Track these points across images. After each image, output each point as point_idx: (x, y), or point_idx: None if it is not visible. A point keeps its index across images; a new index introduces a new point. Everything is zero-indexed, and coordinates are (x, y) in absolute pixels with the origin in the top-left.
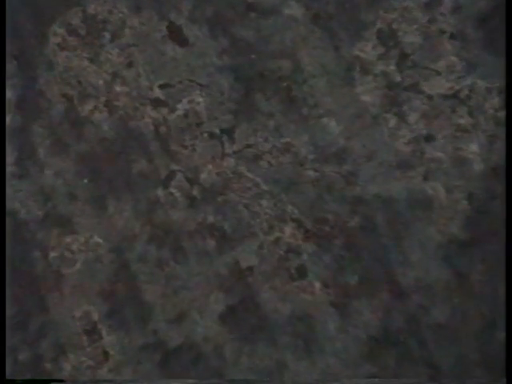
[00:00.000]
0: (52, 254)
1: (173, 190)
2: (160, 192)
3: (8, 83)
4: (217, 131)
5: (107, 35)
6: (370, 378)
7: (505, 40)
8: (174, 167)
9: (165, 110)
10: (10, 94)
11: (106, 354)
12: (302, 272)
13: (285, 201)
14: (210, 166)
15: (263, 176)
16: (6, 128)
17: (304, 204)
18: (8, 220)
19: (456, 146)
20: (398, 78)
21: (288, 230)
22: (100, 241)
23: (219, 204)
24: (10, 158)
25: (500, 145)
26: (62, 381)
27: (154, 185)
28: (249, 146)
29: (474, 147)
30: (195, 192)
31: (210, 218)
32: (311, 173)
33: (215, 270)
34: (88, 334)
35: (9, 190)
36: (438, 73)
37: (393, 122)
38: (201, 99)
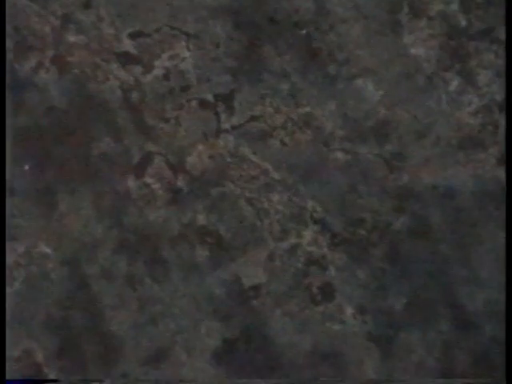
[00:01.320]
0: None
1: (149, 180)
2: (131, 183)
3: None
4: (210, 98)
5: None
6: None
7: (505, 40)
8: (151, 148)
9: (137, 69)
10: None
11: None
12: (327, 292)
13: (304, 194)
14: (200, 147)
15: (274, 160)
16: (5, 128)
17: (330, 199)
18: None
19: None
20: (463, 23)
21: (308, 234)
22: (47, 250)
23: (213, 199)
24: None
25: None
26: (56, 380)
27: (122, 173)
28: (254, 118)
29: None
30: (180, 182)
31: (201, 219)
32: (340, 155)
33: (208, 290)
34: (30, 381)
35: None
36: None
37: (455, 83)
38: (187, 54)
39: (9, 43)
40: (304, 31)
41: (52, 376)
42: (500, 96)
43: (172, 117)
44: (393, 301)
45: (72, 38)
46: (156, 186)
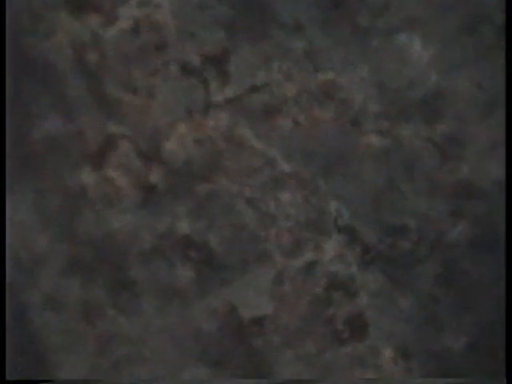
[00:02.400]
0: None
1: (112, 174)
2: (87, 177)
3: None
4: (195, 61)
5: None
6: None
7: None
8: (114, 129)
9: (95, 20)
10: None
11: None
12: (357, 328)
13: (325, 193)
14: (181, 128)
15: (284, 146)
16: (5, 128)
17: (361, 198)
18: None
19: None
20: None
21: (331, 247)
22: None
23: (200, 199)
24: None
25: None
26: (54, 381)
27: (75, 163)
28: (256, 88)
29: None
30: (154, 177)
31: (183, 227)
32: (375, 139)
33: (193, 324)
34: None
35: None
36: None
37: None
38: None
39: None
40: None
41: None
42: None
43: (143, 86)
44: (448, 339)
45: None
46: (121, 181)
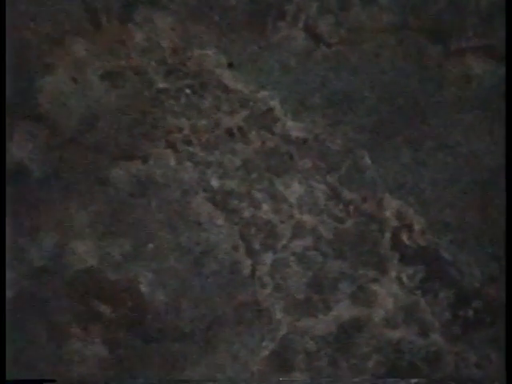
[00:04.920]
0: None
1: None
2: None
3: None
4: None
5: None
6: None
7: (505, 41)
8: None
9: None
10: None
11: None
12: None
13: (371, 179)
14: (76, 47)
15: (287, 86)
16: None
17: (450, 194)
18: None
19: None
20: None
21: (388, 291)
22: None
23: (116, 196)
24: None
25: None
26: (53, 381)
27: None
28: None
29: None
30: (22, 150)
31: (82, 252)
32: (477, 65)
33: None
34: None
35: None
36: None
37: None
38: None
39: None
40: None
41: None
42: None
43: None
44: None
45: None
46: None
